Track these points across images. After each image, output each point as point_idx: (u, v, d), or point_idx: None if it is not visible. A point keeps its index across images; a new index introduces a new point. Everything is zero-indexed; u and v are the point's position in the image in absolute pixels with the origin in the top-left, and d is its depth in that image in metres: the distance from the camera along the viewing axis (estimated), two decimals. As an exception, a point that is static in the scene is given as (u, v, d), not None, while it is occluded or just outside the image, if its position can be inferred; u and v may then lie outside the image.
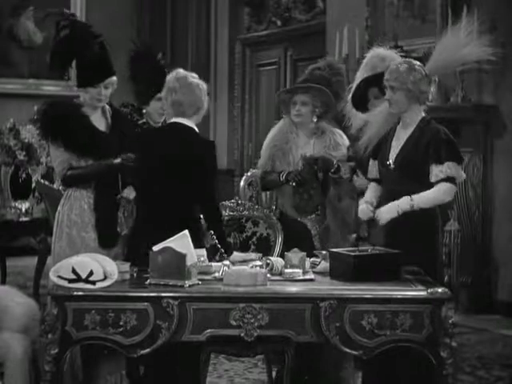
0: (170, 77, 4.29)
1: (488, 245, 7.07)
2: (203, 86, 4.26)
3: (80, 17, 10.28)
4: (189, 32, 10.71)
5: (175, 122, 4.23)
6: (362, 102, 4.89)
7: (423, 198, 4.13)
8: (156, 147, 4.22)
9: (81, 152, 4.29)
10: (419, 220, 4.15)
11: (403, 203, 4.11)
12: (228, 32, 10.50)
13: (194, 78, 4.27)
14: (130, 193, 4.33)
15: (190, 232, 3.81)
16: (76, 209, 4.29)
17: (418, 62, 4.37)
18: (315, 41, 8.90)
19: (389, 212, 4.14)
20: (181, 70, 4.30)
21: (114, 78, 4.38)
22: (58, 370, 3.50)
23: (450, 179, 4.15)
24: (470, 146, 6.95)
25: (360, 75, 4.92)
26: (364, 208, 4.29)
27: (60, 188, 4.53)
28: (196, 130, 4.26)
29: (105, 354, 4.11)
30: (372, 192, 4.37)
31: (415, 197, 4.11)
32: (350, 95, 4.91)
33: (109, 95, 4.40)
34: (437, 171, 4.15)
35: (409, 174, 4.20)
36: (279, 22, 9.79)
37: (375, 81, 4.69)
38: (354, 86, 4.92)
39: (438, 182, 4.15)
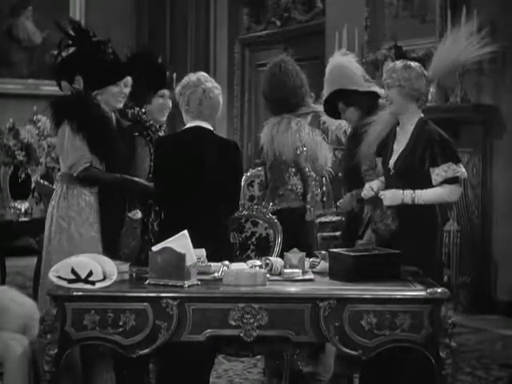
0: (194, 79, 4.34)
1: (487, 245, 7.07)
2: (220, 90, 4.35)
3: (80, 17, 10.32)
4: (188, 32, 10.71)
5: (195, 126, 4.30)
6: (333, 111, 5.01)
7: (425, 195, 4.17)
8: (180, 152, 4.27)
9: (101, 150, 4.27)
10: (419, 220, 4.18)
11: (407, 195, 4.17)
12: (227, 32, 10.50)
13: (212, 81, 4.36)
14: (135, 214, 4.39)
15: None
16: (74, 205, 4.28)
17: (417, 63, 4.39)
18: (314, 41, 8.90)
19: (393, 196, 4.20)
20: (204, 73, 4.40)
21: (130, 78, 4.43)
22: (58, 370, 3.50)
23: (451, 180, 4.17)
24: (469, 147, 6.95)
25: (327, 88, 4.98)
26: (367, 187, 4.38)
27: (55, 185, 4.49)
28: (215, 132, 4.36)
29: (100, 351, 4.11)
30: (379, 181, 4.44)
31: (418, 191, 4.16)
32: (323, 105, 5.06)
33: (127, 94, 4.43)
34: (434, 175, 4.19)
35: (408, 180, 4.23)
36: (278, 23, 9.79)
37: (340, 95, 4.85)
38: (324, 96, 5.01)
39: (439, 185, 4.19)
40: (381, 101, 4.78)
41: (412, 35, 7.44)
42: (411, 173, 4.22)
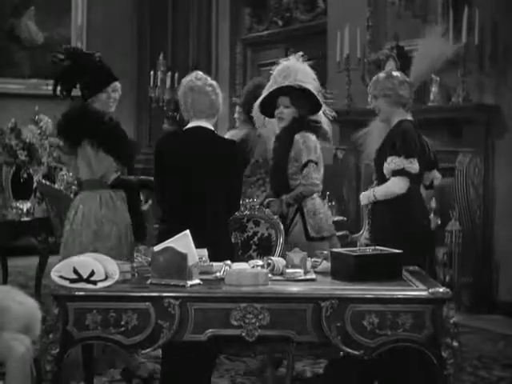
0: (188, 78, 4.33)
1: (489, 245, 7.07)
2: (214, 87, 4.33)
3: (81, 18, 10.33)
4: (190, 32, 10.71)
5: (195, 126, 4.29)
6: (270, 109, 5.07)
7: (379, 190, 4.44)
8: (180, 152, 4.26)
9: (125, 159, 4.75)
10: (389, 218, 4.40)
11: (371, 192, 4.50)
12: (229, 32, 10.51)
13: (205, 79, 4.34)
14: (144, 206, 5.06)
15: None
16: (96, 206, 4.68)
17: (398, 72, 4.65)
18: (316, 41, 8.90)
19: (364, 196, 4.56)
20: (199, 72, 4.39)
21: (119, 84, 4.76)
22: (59, 370, 3.50)
23: (395, 173, 4.35)
24: (471, 146, 6.95)
25: (271, 84, 5.11)
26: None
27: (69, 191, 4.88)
28: (215, 132, 4.36)
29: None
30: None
31: (376, 188, 4.47)
32: (260, 101, 5.12)
33: (117, 99, 4.76)
34: (384, 170, 4.41)
35: (379, 175, 4.48)
36: (280, 22, 9.79)
37: (286, 90, 4.94)
38: (266, 93, 5.10)
39: (390, 177, 4.39)
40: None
41: (414, 35, 7.43)
42: (379, 168, 4.45)
